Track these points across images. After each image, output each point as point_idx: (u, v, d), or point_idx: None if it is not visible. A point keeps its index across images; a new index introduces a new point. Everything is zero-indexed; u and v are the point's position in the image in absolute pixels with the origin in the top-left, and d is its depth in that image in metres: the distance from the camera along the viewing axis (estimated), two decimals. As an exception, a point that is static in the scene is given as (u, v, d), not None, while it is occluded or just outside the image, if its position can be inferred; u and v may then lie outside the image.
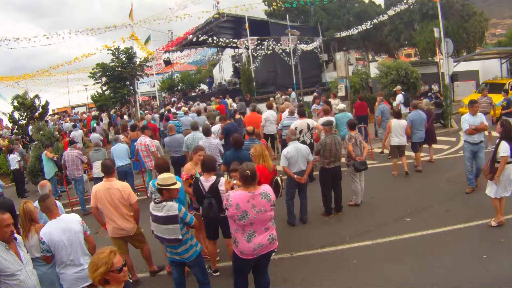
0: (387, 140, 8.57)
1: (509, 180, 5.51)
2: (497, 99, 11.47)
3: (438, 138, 11.86)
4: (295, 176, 6.17)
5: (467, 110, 13.65)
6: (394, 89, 13.69)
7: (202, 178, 4.75)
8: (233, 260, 4.05)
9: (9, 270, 3.34)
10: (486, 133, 6.99)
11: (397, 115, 8.63)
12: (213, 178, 4.70)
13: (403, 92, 13.04)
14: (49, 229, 3.77)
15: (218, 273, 5.13)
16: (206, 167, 4.73)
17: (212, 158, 4.89)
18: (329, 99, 12.80)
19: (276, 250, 4.25)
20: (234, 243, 3.81)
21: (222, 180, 4.70)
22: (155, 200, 4.05)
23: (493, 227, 5.62)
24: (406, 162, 8.72)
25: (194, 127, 8.25)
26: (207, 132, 7.47)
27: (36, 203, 4.33)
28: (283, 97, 16.85)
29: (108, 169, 5.01)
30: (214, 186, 4.64)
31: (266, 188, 3.84)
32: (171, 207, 3.90)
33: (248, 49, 21.04)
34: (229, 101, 17.62)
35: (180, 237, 3.95)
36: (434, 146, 9.58)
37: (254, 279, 4.12)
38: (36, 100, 14.57)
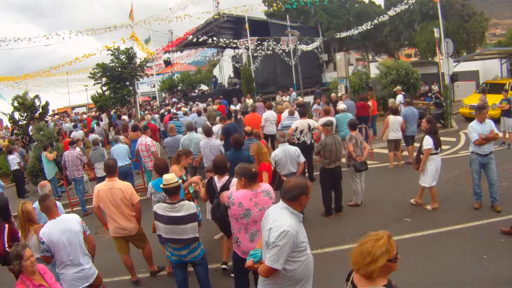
0: (385, 134, 9.18)
1: (436, 171, 6.32)
2: (497, 99, 11.48)
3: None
4: (284, 178, 6.16)
5: (467, 110, 13.88)
6: (394, 90, 13.69)
7: (216, 179, 4.71)
8: (233, 261, 4.03)
9: (303, 245, 2.90)
10: (501, 134, 6.46)
11: (394, 111, 9.23)
12: (225, 179, 4.65)
13: (403, 93, 13.05)
14: (48, 229, 3.77)
15: (225, 266, 5.13)
16: (217, 169, 4.66)
17: (222, 160, 4.79)
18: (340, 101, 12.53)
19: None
20: (236, 243, 3.79)
21: (234, 180, 4.57)
22: (168, 201, 4.00)
23: (436, 209, 6.41)
24: (401, 156, 9.37)
25: (190, 128, 8.23)
26: (208, 133, 7.46)
27: (36, 204, 4.34)
28: (285, 98, 16.78)
29: (111, 169, 5.01)
30: (226, 187, 4.60)
31: (266, 186, 3.87)
32: (190, 205, 3.94)
33: (248, 49, 21.05)
34: (249, 101, 16.87)
35: (198, 235, 3.99)
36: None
37: (254, 280, 4.12)
38: (36, 101, 14.57)
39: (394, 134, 9.02)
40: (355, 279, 2.15)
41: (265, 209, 3.69)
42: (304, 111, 8.66)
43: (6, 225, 4.16)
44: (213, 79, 29.33)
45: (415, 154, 7.32)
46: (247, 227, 3.68)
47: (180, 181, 4.24)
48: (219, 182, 4.67)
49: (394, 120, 9.01)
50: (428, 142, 6.21)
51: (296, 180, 2.92)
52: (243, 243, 3.72)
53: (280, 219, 2.82)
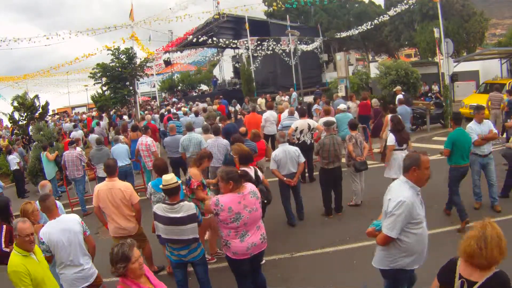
0: (385, 133, 9.06)
1: (399, 165, 6.34)
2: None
3: (438, 138, 12.00)
4: (285, 178, 6.19)
5: (467, 110, 13.87)
6: (394, 90, 13.68)
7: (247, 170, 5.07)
8: (229, 265, 3.95)
9: (419, 217, 3.13)
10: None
11: (393, 110, 9.21)
12: (252, 168, 5.06)
13: (402, 93, 13.04)
14: (48, 229, 3.78)
15: None
16: (243, 160, 5.06)
17: (247, 152, 5.22)
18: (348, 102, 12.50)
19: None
20: (226, 245, 3.76)
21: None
22: (167, 201, 4.00)
23: None
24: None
25: (189, 128, 8.24)
26: (216, 132, 7.54)
27: (37, 203, 4.34)
28: (284, 98, 16.78)
29: (111, 169, 5.01)
30: (256, 175, 5.01)
31: (251, 186, 3.88)
32: (190, 206, 3.94)
33: (248, 49, 21.07)
34: (262, 100, 16.84)
35: (197, 235, 3.99)
36: (435, 146, 10.02)
37: (255, 284, 4.10)
38: (36, 101, 14.58)
39: None
40: (464, 272, 2.36)
41: (254, 210, 3.70)
42: (304, 111, 8.67)
43: (4, 226, 4.17)
44: (214, 79, 29.36)
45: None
46: (238, 229, 3.67)
47: (178, 182, 4.21)
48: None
49: None
50: (390, 139, 6.57)
51: (409, 154, 3.31)
52: (233, 244, 3.69)
53: (399, 191, 3.13)
